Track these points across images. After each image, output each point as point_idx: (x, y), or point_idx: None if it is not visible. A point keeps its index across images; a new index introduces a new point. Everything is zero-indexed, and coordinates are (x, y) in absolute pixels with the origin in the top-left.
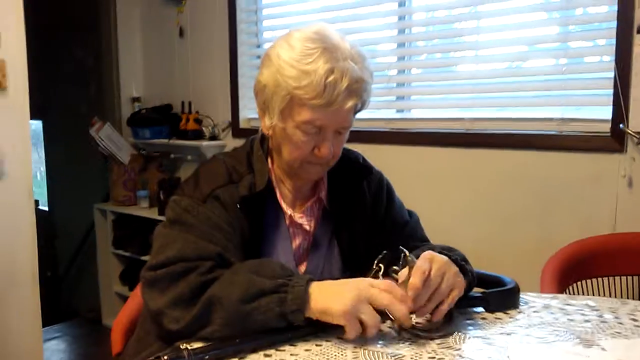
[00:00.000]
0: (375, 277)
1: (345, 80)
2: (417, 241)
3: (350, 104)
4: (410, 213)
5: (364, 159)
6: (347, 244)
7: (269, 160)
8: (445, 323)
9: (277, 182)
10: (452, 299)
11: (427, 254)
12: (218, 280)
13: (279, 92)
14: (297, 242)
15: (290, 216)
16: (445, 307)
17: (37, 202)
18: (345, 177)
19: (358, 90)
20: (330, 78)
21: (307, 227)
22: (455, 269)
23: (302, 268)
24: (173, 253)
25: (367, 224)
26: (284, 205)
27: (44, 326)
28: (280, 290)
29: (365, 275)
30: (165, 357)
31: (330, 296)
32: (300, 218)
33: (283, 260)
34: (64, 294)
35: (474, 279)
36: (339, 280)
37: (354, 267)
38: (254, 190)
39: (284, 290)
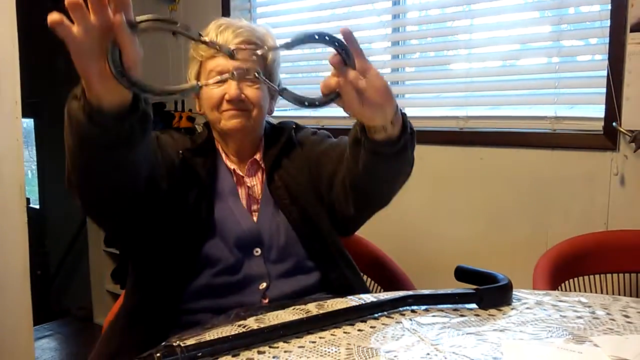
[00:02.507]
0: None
1: (232, 27)
2: None
3: (237, 40)
4: None
5: (297, 124)
6: (284, 196)
7: (216, 138)
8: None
9: (223, 150)
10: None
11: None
12: None
13: (192, 63)
14: (244, 199)
15: (236, 172)
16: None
17: (28, 200)
18: (279, 136)
19: (245, 33)
20: (219, 30)
21: (249, 184)
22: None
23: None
24: None
25: (304, 171)
26: (228, 163)
27: (34, 325)
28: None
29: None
30: (159, 355)
31: None
32: (247, 177)
33: (236, 212)
34: (55, 292)
35: (411, 130)
36: None
37: (298, 219)
38: (195, 144)
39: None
